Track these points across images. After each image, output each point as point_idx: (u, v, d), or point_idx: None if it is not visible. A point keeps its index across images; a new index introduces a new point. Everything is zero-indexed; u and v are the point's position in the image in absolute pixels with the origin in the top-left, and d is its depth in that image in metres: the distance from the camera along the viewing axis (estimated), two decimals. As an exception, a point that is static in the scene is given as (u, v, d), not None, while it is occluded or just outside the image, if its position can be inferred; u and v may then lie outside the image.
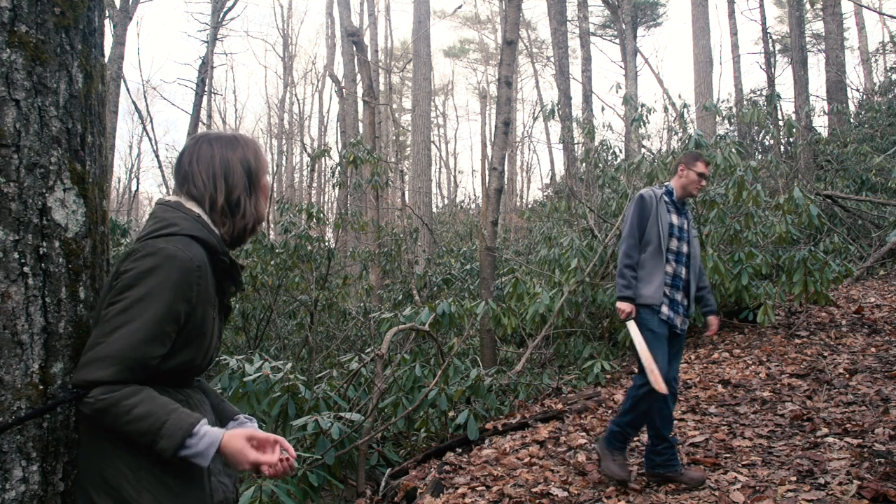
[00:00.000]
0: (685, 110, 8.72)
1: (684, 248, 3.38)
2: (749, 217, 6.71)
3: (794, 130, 9.89)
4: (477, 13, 32.10)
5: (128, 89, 15.12)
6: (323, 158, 13.92)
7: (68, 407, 1.43)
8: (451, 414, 4.91)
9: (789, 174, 10.10)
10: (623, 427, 3.31)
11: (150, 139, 16.90)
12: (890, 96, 15.65)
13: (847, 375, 4.81)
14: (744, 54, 25.03)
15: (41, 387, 1.36)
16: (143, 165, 39.40)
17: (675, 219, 3.40)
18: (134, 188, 29.32)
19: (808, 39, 17.90)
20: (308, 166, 28.29)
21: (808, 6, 16.25)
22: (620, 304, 3.30)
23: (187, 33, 57.16)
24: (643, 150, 11.04)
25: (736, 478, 3.23)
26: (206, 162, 1.49)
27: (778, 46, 21.76)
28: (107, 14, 9.39)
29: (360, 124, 17.82)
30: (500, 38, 15.02)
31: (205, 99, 16.80)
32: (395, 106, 29.54)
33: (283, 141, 31.81)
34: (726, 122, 11.70)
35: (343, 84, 18.42)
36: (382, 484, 4.00)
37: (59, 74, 1.44)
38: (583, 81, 16.98)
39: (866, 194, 10.25)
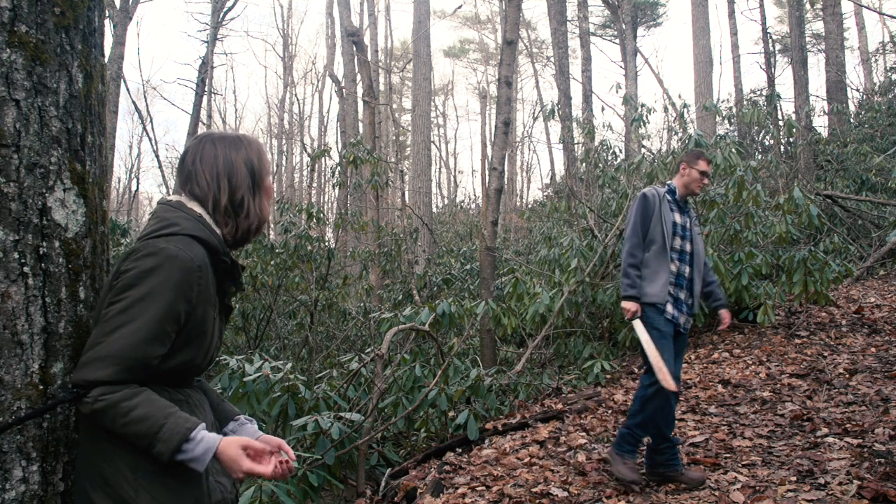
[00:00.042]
0: (685, 110, 8.71)
1: (687, 247, 3.38)
2: (749, 217, 6.72)
3: (794, 130, 9.89)
4: (477, 13, 32.14)
5: (128, 89, 15.14)
6: (323, 158, 13.93)
7: (68, 407, 1.43)
8: (451, 414, 4.90)
9: (789, 174, 10.10)
10: (632, 429, 3.30)
11: (150, 139, 16.94)
12: (890, 96, 15.64)
13: (847, 375, 4.81)
14: (744, 54, 25.06)
15: (41, 387, 1.36)
16: (143, 165, 39.53)
17: (678, 217, 3.40)
18: (134, 188, 29.39)
19: (808, 39, 17.90)
20: (308, 166, 28.32)
21: (808, 6, 16.25)
22: (626, 304, 3.29)
23: (187, 33, 57.25)
24: (643, 150, 11.03)
25: (736, 478, 3.23)
26: (210, 162, 1.49)
27: (778, 46, 21.76)
28: (107, 14, 9.39)
29: (360, 124, 17.81)
30: (500, 38, 15.02)
31: (205, 99, 16.79)
32: (395, 106, 29.53)
33: (283, 141, 31.80)
34: (726, 122, 11.70)
35: (343, 84, 18.41)
36: (382, 484, 4.00)
37: (59, 74, 1.44)
38: (583, 81, 16.99)
39: (866, 194, 10.25)
